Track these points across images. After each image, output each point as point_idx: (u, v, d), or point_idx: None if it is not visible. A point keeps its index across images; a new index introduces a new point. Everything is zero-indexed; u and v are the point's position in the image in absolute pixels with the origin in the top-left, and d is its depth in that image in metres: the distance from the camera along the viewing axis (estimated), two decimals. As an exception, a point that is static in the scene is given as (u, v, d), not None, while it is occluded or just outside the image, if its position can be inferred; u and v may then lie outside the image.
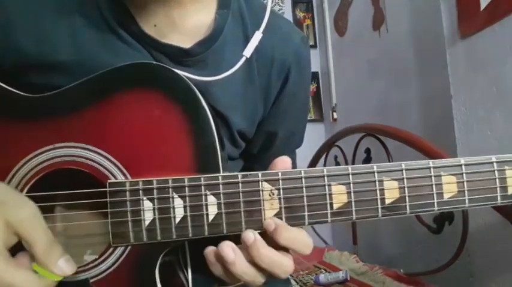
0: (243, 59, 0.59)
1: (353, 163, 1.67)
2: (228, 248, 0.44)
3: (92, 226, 0.52)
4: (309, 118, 2.71)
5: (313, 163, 1.96)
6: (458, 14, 1.24)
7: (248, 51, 0.59)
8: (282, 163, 0.47)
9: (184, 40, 0.57)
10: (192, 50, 0.57)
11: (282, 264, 0.45)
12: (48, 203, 0.49)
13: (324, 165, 1.90)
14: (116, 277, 0.47)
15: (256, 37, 0.60)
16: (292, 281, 1.34)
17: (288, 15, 2.75)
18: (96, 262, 0.47)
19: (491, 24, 1.12)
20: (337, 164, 1.96)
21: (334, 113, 2.57)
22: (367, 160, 1.70)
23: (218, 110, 0.59)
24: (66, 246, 0.51)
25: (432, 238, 1.40)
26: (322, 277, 1.30)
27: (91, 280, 0.47)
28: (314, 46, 2.78)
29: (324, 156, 2.00)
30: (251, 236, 0.44)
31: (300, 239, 0.45)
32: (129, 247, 0.47)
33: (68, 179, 0.48)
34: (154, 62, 0.51)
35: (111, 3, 0.56)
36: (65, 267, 0.41)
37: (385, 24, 2.04)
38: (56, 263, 0.41)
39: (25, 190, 0.47)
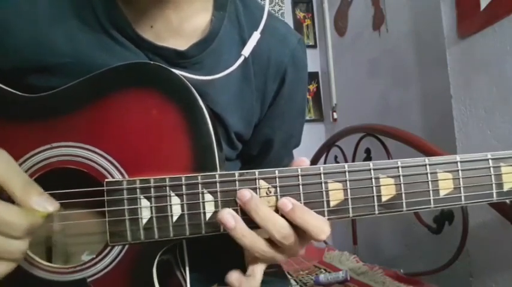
0: (242, 58, 0.59)
1: (353, 163, 1.67)
2: (227, 215, 0.45)
3: (90, 225, 0.52)
4: (308, 118, 2.72)
5: (313, 163, 1.94)
6: (458, 14, 1.24)
7: (247, 51, 0.59)
8: (301, 164, 0.48)
9: (180, 42, 0.57)
10: (188, 52, 0.57)
11: (277, 221, 0.45)
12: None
13: (324, 165, 1.89)
14: (113, 276, 0.47)
15: (255, 37, 0.60)
16: (292, 281, 1.34)
17: (288, 15, 2.75)
18: (93, 261, 0.47)
19: (491, 24, 1.12)
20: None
21: (334, 113, 2.57)
22: (367, 160, 1.69)
23: (215, 111, 0.59)
24: (64, 245, 0.52)
25: (432, 238, 1.40)
26: (322, 277, 1.30)
27: (88, 280, 0.47)
28: (314, 46, 2.78)
29: (324, 156, 2.01)
30: (247, 193, 0.45)
31: (316, 221, 0.46)
32: (127, 246, 0.47)
33: (66, 179, 0.48)
34: (152, 62, 0.51)
35: (106, 6, 0.56)
36: (45, 202, 0.42)
37: (385, 24, 2.04)
38: (36, 199, 0.41)
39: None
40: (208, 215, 0.46)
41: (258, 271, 0.48)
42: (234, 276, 0.47)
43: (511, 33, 1.07)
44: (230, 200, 0.46)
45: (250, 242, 0.45)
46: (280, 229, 0.45)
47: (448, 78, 1.30)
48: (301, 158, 0.49)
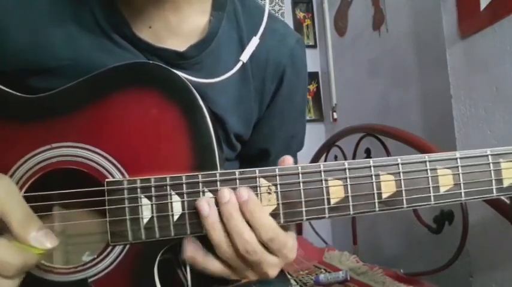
0: (240, 63, 0.59)
1: (353, 163, 1.67)
2: (203, 202, 0.45)
3: (91, 225, 0.52)
4: (309, 118, 2.72)
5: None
6: (458, 14, 1.24)
7: (245, 56, 0.59)
8: (286, 163, 0.48)
9: (179, 43, 0.58)
10: (187, 53, 0.57)
11: (243, 233, 0.45)
12: (47, 203, 0.49)
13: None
14: (114, 276, 0.47)
15: (254, 43, 0.60)
16: (292, 281, 1.34)
17: (288, 15, 2.75)
18: (94, 261, 0.47)
19: (491, 24, 1.12)
20: (337, 164, 1.96)
21: (334, 113, 2.57)
22: (367, 160, 1.69)
23: (215, 112, 0.59)
24: (66, 245, 0.52)
25: (432, 238, 1.40)
26: (322, 277, 1.30)
27: (89, 280, 0.47)
28: (314, 46, 2.78)
29: (324, 156, 2.01)
30: (226, 195, 0.45)
31: (267, 221, 0.45)
32: (128, 246, 0.47)
33: (66, 179, 0.48)
34: (151, 62, 0.51)
35: (104, 7, 0.56)
36: (43, 239, 0.40)
37: (385, 24, 2.04)
38: (33, 235, 0.39)
39: (23, 190, 0.47)
40: (209, 214, 0.46)
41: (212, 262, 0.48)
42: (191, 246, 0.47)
43: (511, 33, 1.07)
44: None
45: (218, 238, 0.45)
46: (244, 242, 0.45)
47: (448, 78, 1.30)
48: (286, 158, 0.49)
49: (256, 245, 0.46)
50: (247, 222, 0.45)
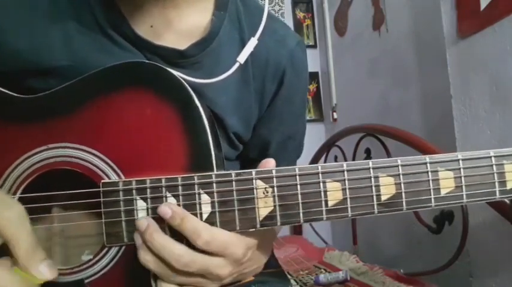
0: (237, 64, 0.58)
1: (353, 163, 1.67)
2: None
3: (88, 227, 0.52)
4: (308, 118, 2.71)
5: (313, 163, 1.95)
6: (458, 14, 1.24)
7: (242, 57, 0.59)
8: (267, 165, 0.47)
9: (179, 41, 0.57)
10: (187, 52, 0.57)
11: (173, 250, 0.43)
12: (42, 204, 0.49)
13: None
14: (110, 277, 0.47)
15: (252, 43, 0.60)
16: (292, 281, 1.34)
17: (288, 15, 2.75)
18: (90, 263, 0.47)
19: (491, 24, 1.12)
20: (337, 164, 1.96)
21: (334, 113, 2.57)
22: (367, 160, 1.69)
23: (214, 112, 0.59)
24: (64, 247, 0.52)
25: (432, 238, 1.40)
26: (322, 277, 1.30)
27: (86, 281, 0.47)
28: (314, 46, 2.77)
29: (324, 156, 2.01)
30: (144, 222, 0.44)
31: (194, 225, 0.44)
32: (124, 247, 0.47)
33: (62, 180, 0.47)
34: (147, 61, 0.51)
35: (104, 6, 0.55)
36: (45, 271, 0.41)
37: (385, 24, 2.03)
38: (37, 266, 0.40)
39: (19, 191, 0.47)
40: (204, 216, 0.45)
41: None
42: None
43: (511, 33, 1.07)
44: (227, 201, 0.45)
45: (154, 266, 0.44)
46: (178, 257, 0.43)
47: (448, 78, 1.30)
48: (268, 161, 0.48)
49: (192, 254, 0.44)
50: (178, 234, 0.44)
